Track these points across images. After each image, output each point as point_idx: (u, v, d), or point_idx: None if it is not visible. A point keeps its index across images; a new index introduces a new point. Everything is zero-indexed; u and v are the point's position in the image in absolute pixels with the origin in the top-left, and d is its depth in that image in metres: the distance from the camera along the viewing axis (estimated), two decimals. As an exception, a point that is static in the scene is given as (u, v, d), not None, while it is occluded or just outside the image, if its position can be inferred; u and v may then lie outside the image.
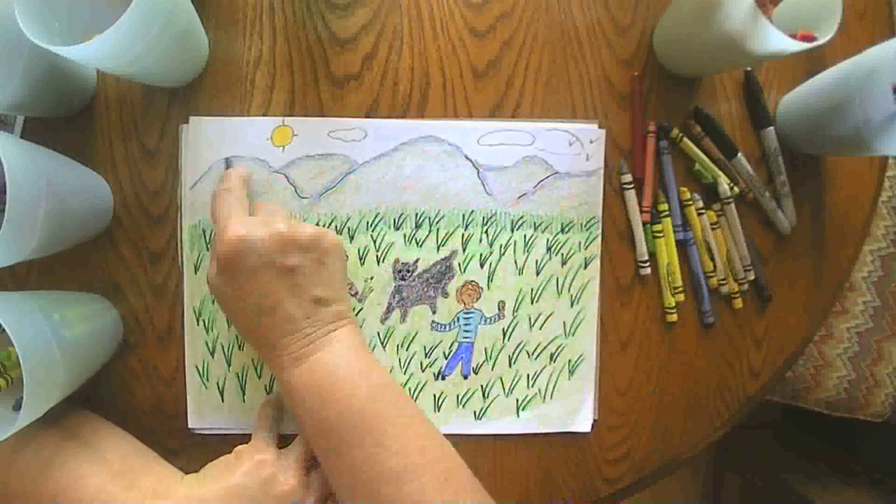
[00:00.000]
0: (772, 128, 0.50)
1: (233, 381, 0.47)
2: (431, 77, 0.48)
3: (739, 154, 0.49)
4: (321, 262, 0.40)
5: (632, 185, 0.49)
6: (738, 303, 0.50)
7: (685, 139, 0.49)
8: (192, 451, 0.47)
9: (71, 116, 0.47)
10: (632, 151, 0.49)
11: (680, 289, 0.49)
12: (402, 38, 0.48)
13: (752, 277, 0.50)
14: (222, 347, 0.47)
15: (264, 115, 0.47)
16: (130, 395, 0.47)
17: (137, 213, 0.47)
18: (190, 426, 0.47)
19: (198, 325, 0.47)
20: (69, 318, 0.40)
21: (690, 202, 0.49)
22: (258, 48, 0.48)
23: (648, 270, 0.49)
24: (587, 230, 0.49)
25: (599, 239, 0.49)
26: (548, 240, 0.49)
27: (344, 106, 0.48)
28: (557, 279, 0.49)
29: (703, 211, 0.50)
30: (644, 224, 0.49)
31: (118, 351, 0.47)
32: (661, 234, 0.49)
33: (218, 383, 0.47)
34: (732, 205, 0.49)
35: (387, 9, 0.48)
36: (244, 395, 0.48)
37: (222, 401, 0.47)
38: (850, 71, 0.44)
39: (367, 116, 0.48)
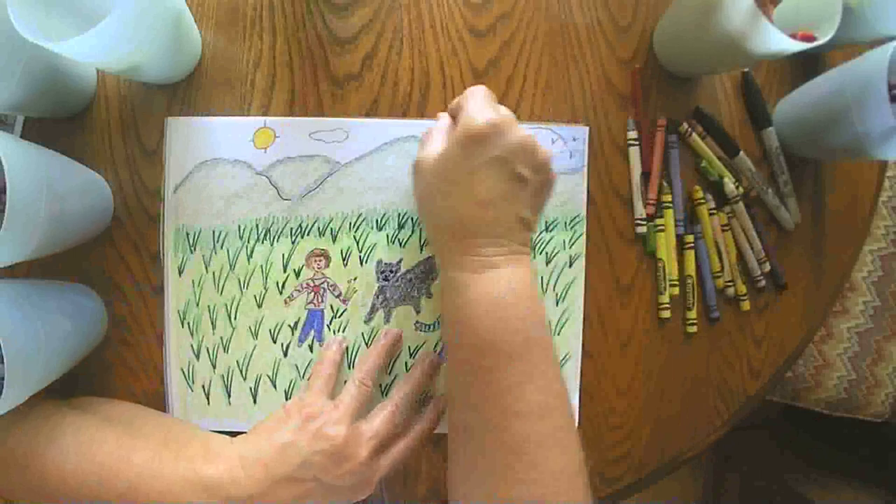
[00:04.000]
0: (772, 128, 0.50)
1: (218, 384, 0.47)
2: (431, 77, 0.48)
3: (741, 153, 0.49)
4: (541, 188, 0.40)
5: (637, 142, 0.49)
6: (746, 305, 0.50)
7: (694, 135, 0.49)
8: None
9: (71, 116, 0.47)
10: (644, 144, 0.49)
11: (675, 282, 0.49)
12: (402, 38, 0.48)
13: (767, 269, 0.50)
14: (207, 350, 0.47)
15: (265, 114, 0.47)
16: (130, 394, 0.47)
17: (137, 213, 0.47)
18: None
19: (182, 327, 0.47)
20: (50, 306, 0.41)
21: (703, 201, 0.49)
22: (258, 48, 0.48)
23: (644, 229, 0.49)
24: (571, 228, 0.49)
25: (584, 237, 0.49)
26: (531, 238, 0.49)
27: (344, 106, 0.48)
28: (542, 278, 0.49)
29: (713, 211, 0.50)
30: (648, 218, 0.49)
31: (114, 349, 0.47)
32: (662, 228, 0.49)
33: (203, 386, 0.47)
34: (741, 203, 0.49)
35: (387, 9, 0.48)
36: (229, 397, 0.47)
37: (208, 403, 0.47)
38: (844, 78, 0.43)
39: (367, 116, 0.48)
